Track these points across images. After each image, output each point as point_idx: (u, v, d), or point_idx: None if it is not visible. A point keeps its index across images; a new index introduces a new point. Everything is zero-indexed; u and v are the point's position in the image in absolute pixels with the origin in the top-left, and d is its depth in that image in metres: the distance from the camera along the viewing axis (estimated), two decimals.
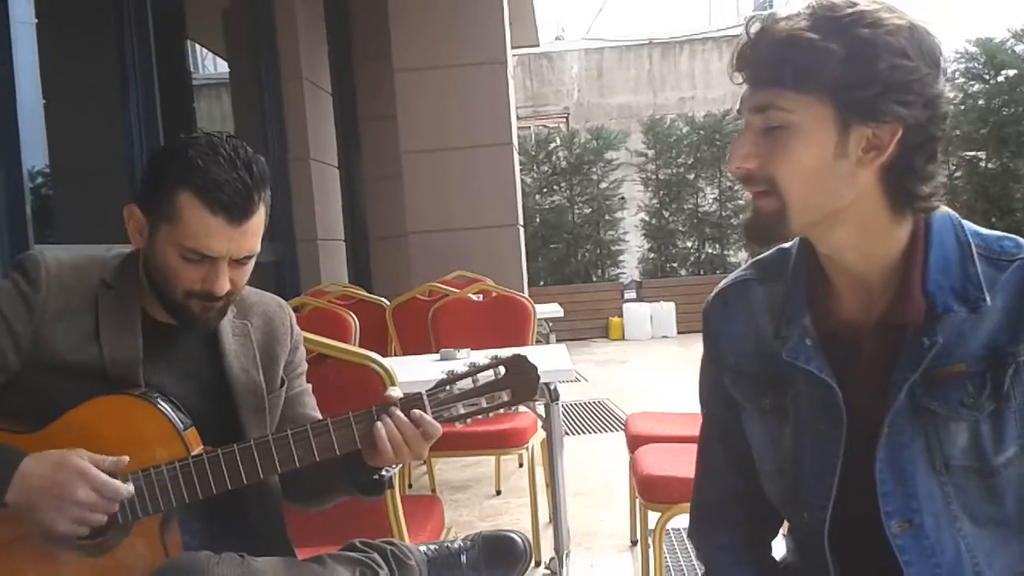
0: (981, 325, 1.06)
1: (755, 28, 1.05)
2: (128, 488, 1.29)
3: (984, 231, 1.12)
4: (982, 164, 10.72)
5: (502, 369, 1.39)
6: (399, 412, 1.36)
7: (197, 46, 5.85)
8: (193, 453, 1.35)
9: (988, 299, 1.05)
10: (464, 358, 2.76)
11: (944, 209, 1.11)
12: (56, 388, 1.35)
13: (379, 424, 1.35)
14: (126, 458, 1.30)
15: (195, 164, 1.34)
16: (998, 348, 1.05)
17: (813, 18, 1.02)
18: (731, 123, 11.63)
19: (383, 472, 1.45)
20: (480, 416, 1.39)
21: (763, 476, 1.22)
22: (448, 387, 1.38)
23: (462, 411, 1.38)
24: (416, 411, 1.36)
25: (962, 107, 10.51)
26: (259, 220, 1.39)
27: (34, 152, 3.17)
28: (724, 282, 1.27)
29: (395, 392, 1.40)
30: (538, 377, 1.40)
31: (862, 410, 1.10)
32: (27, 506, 1.26)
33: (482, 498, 4.04)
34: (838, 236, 1.08)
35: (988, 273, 1.07)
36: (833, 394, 1.11)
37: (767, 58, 1.03)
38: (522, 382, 1.39)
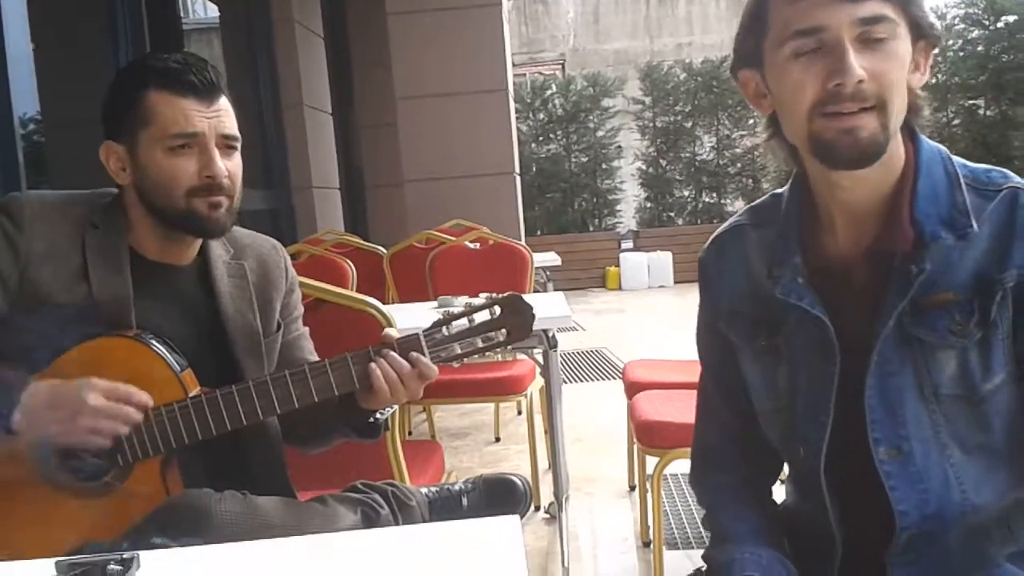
0: (968, 253, 1.06)
1: None
2: (142, 394, 1.28)
3: (972, 164, 1.12)
4: (980, 112, 10.65)
5: (497, 309, 1.39)
6: (395, 353, 1.35)
7: None
8: (191, 394, 1.34)
9: (975, 225, 1.06)
10: (462, 306, 2.76)
11: (931, 142, 1.12)
12: (46, 330, 1.34)
13: (373, 365, 1.35)
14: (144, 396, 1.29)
15: (152, 67, 1.38)
16: (985, 275, 1.06)
17: None
18: (729, 70, 11.51)
19: (378, 414, 1.45)
20: (476, 356, 1.40)
21: (761, 416, 1.24)
22: (444, 327, 1.38)
23: (458, 351, 1.38)
24: (413, 353, 1.36)
25: (961, 53, 10.42)
26: (228, 106, 1.41)
27: (24, 99, 3.12)
28: (719, 229, 1.29)
29: (392, 333, 1.40)
30: (533, 316, 1.40)
31: (854, 342, 1.11)
32: (34, 425, 1.23)
33: (481, 445, 4.07)
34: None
35: (975, 203, 1.07)
36: (825, 329, 1.11)
37: None
38: (517, 321, 1.39)
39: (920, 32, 1.04)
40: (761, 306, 1.19)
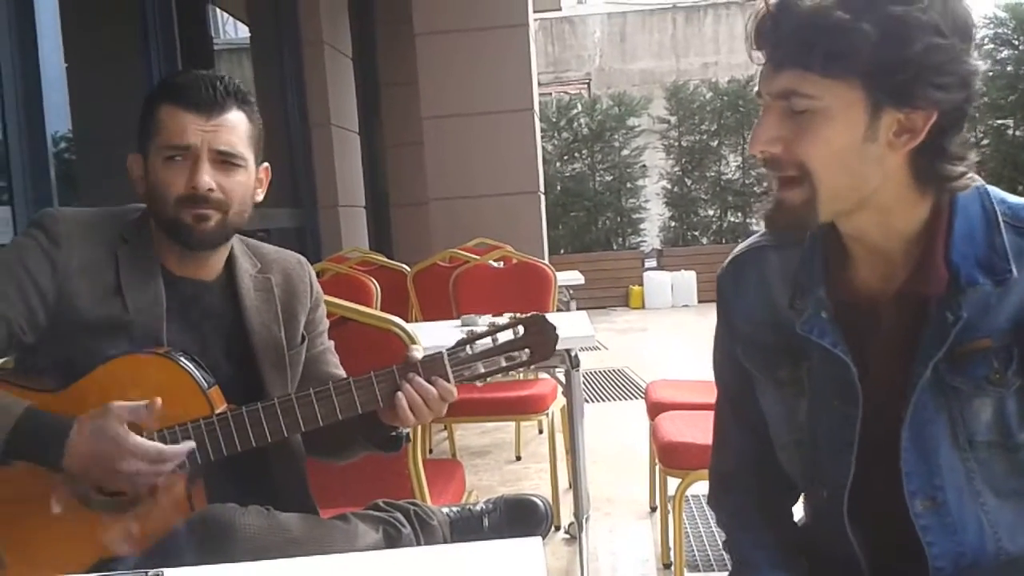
0: (1007, 298, 1.02)
1: (775, 1, 0.99)
2: (177, 448, 1.30)
3: (1012, 199, 1.07)
4: (1009, 131, 10.54)
5: (521, 329, 1.39)
6: (420, 378, 1.36)
7: (218, 10, 5.83)
8: (217, 411, 1.36)
9: (1015, 271, 1.01)
10: (485, 324, 2.77)
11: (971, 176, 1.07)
12: (81, 345, 1.36)
13: (400, 394, 1.36)
14: (159, 400, 1.29)
15: (169, 81, 1.44)
16: None
17: None
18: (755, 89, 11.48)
19: (400, 428, 1.46)
20: (499, 375, 1.40)
21: (779, 447, 1.21)
22: (468, 347, 1.39)
23: (482, 370, 1.39)
24: (434, 376, 1.37)
25: (990, 73, 10.33)
26: (237, 120, 1.43)
27: (57, 117, 3.18)
28: (738, 248, 1.24)
29: (416, 352, 1.41)
30: (556, 336, 1.40)
31: (880, 385, 1.08)
32: (78, 466, 1.27)
33: (502, 464, 4.07)
34: (862, 219, 1.05)
35: (1015, 242, 1.03)
36: (848, 371, 1.08)
37: (791, 39, 0.97)
38: (540, 341, 1.39)
39: (887, 102, 0.97)
40: (781, 336, 1.15)
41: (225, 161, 1.41)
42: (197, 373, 1.37)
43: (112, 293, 1.39)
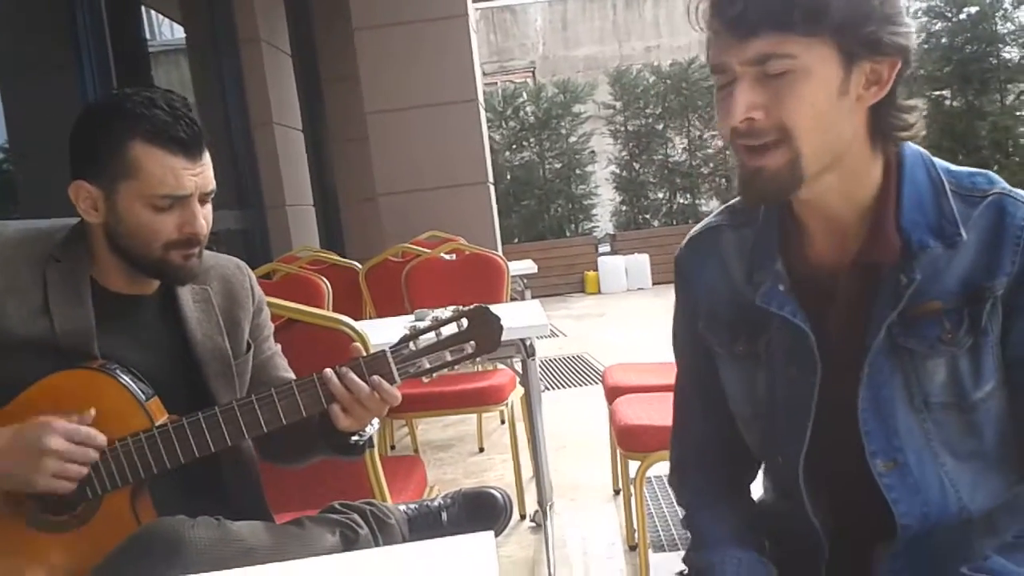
0: (955, 262, 1.05)
1: None
2: (101, 436, 1.28)
3: (954, 168, 1.11)
4: (947, 102, 10.77)
5: (465, 322, 1.38)
6: (353, 375, 1.34)
7: (152, 11, 5.70)
8: (158, 423, 1.33)
9: (964, 234, 1.04)
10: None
11: (914, 146, 1.10)
12: (10, 366, 1.32)
13: (331, 391, 1.33)
14: (92, 411, 1.29)
15: (138, 113, 1.33)
16: (974, 283, 1.04)
17: None
18: (697, 71, 11.60)
19: (357, 435, 1.43)
20: (446, 369, 1.38)
21: (740, 422, 1.22)
22: (412, 343, 1.37)
23: (427, 365, 1.37)
24: (375, 377, 1.34)
25: (925, 46, 10.55)
26: (208, 158, 1.40)
27: None
28: (695, 229, 1.26)
29: (360, 350, 1.39)
30: (501, 328, 1.39)
31: (838, 352, 1.10)
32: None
33: (465, 456, 4.06)
34: (827, 182, 1.06)
35: (961, 209, 1.06)
36: (806, 339, 1.10)
37: (764, 3, 0.99)
38: (485, 333, 1.38)
39: (859, 53, 1.00)
40: (740, 310, 1.17)
41: (206, 199, 1.40)
42: (134, 386, 1.34)
43: (40, 313, 1.35)
